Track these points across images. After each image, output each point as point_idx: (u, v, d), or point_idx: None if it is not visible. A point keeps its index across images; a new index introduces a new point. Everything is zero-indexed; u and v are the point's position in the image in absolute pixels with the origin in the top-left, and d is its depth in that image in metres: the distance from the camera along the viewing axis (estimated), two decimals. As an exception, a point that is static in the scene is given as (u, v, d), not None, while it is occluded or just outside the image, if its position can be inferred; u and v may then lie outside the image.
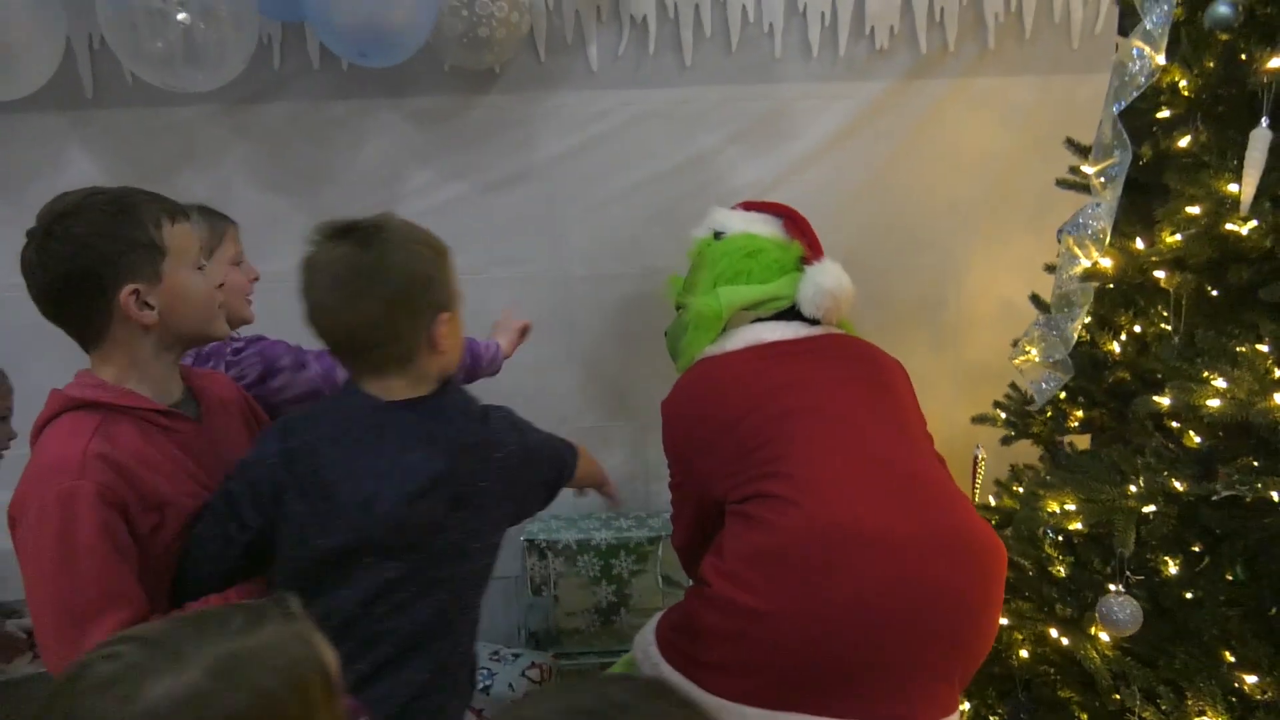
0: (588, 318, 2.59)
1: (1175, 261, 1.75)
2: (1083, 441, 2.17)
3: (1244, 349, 1.62)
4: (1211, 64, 1.72)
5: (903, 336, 2.42)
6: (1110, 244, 1.80)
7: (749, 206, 2.14)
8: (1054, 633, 1.86)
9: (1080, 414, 2.04)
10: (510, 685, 2.27)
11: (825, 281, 1.93)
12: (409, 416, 1.40)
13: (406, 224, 1.42)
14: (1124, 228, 1.83)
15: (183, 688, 0.76)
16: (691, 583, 2.12)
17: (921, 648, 1.58)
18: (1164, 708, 1.66)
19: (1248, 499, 1.66)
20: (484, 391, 1.62)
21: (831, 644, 1.56)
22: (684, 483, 1.91)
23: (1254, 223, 1.63)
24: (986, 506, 2.20)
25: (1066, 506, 1.79)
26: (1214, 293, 1.80)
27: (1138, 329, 1.88)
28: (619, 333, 2.56)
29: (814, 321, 1.95)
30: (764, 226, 2.06)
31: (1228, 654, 1.70)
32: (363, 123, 2.44)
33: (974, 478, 2.25)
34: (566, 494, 1.75)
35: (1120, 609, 1.65)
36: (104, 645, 0.81)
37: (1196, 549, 1.80)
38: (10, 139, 2.37)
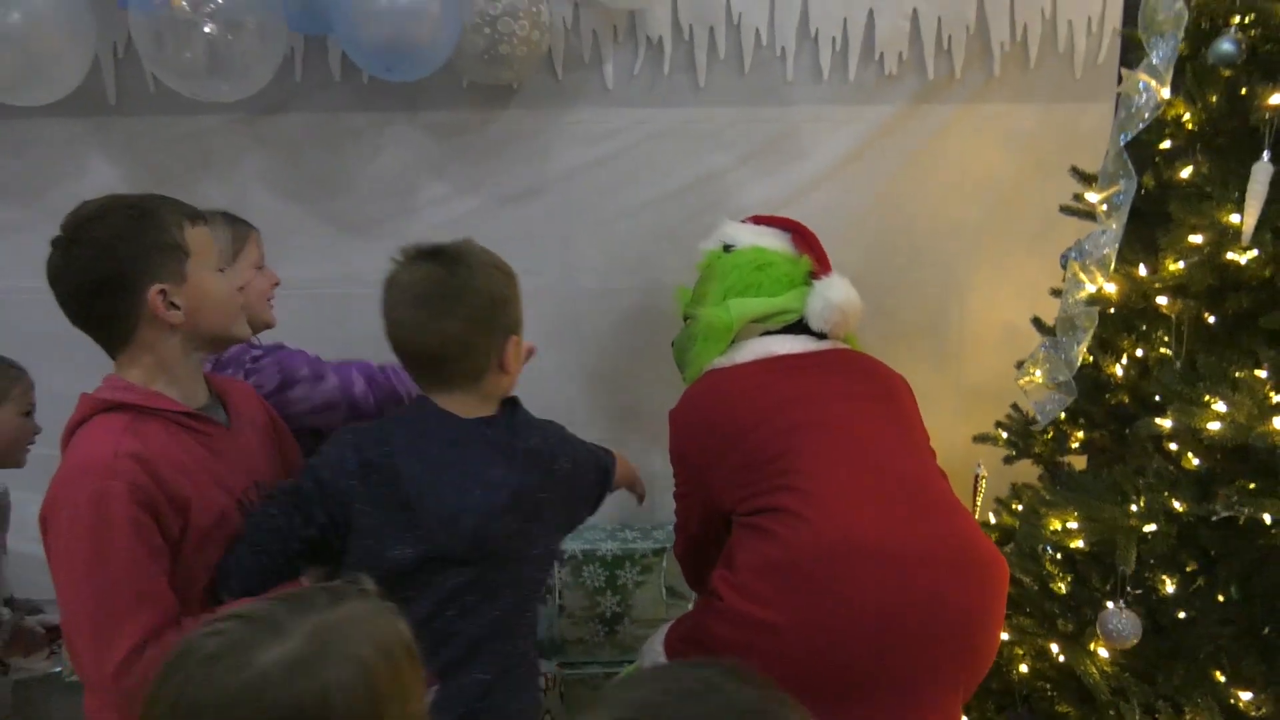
0: (597, 330, 2.63)
1: (1177, 288, 1.81)
2: (1080, 463, 2.22)
3: (1243, 374, 1.68)
4: (1214, 98, 1.78)
5: (906, 355, 2.46)
6: (1114, 270, 1.85)
7: (758, 220, 2.18)
8: (1054, 648, 1.90)
9: (1081, 435, 2.09)
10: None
11: (834, 296, 1.97)
12: (487, 433, 1.48)
13: (484, 250, 1.51)
14: (1127, 254, 1.88)
15: (287, 655, 0.82)
16: (694, 594, 2.16)
17: (927, 661, 1.62)
18: (1162, 721, 1.70)
19: (1241, 520, 1.71)
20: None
21: (838, 655, 1.59)
22: (690, 492, 1.94)
23: (1254, 252, 1.69)
24: (987, 524, 2.24)
25: (1069, 524, 1.84)
26: (1212, 320, 1.85)
27: (1139, 353, 1.94)
28: (627, 345, 2.59)
29: (821, 335, 1.98)
30: (773, 241, 2.10)
31: (1222, 672, 1.75)
32: (381, 134, 2.48)
33: (975, 495, 2.29)
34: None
35: (1121, 621, 1.70)
36: (205, 625, 0.86)
37: (1192, 569, 1.85)
38: (33, 144, 2.41)
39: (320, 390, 1.80)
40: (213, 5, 2.00)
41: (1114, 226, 1.81)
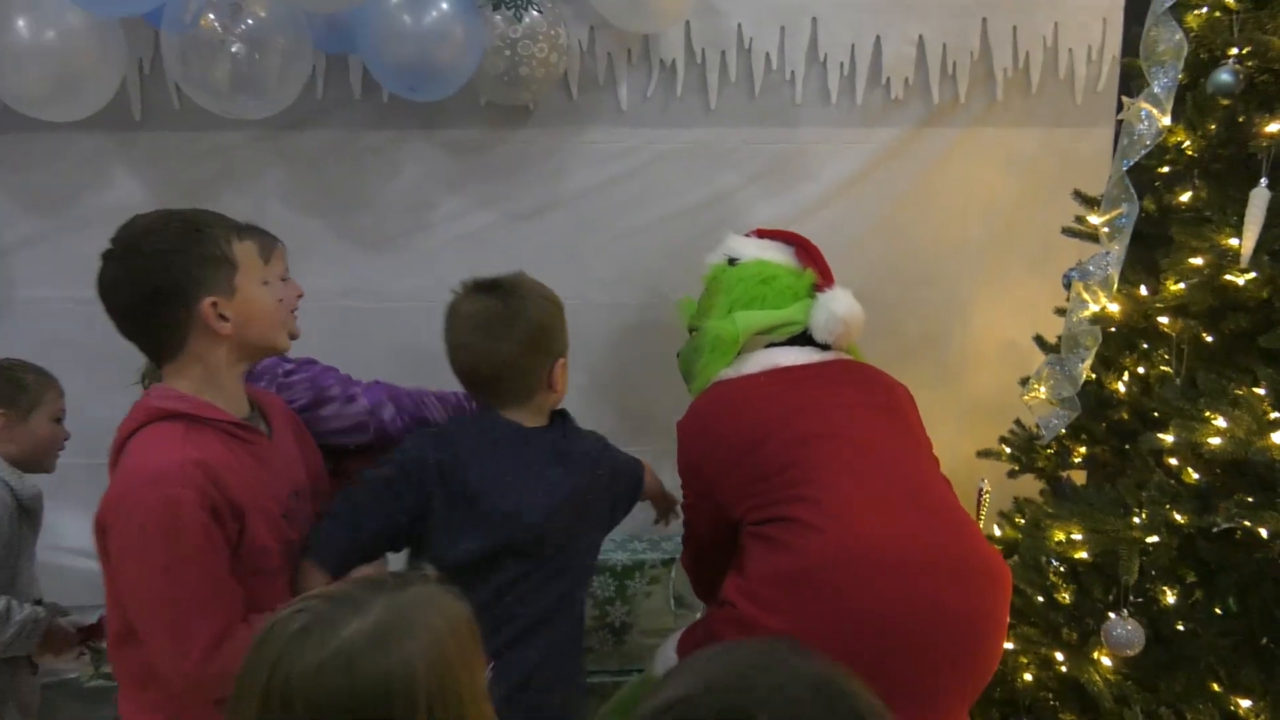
0: (607, 344, 2.67)
1: (1178, 308, 1.87)
2: (1080, 478, 2.28)
3: (1242, 391, 1.74)
4: (1214, 126, 1.86)
5: (909, 371, 2.49)
6: (1117, 290, 1.92)
7: (762, 234, 2.22)
8: (1059, 656, 1.95)
9: (1083, 450, 2.15)
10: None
11: (838, 308, 2.00)
12: (545, 439, 1.66)
13: (535, 282, 1.73)
14: (1129, 275, 1.95)
15: (369, 627, 0.89)
16: (702, 604, 2.20)
17: (936, 668, 1.66)
18: (1164, 727, 1.75)
19: (1238, 534, 1.77)
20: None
21: (848, 663, 1.63)
22: (698, 502, 1.96)
23: (1252, 274, 1.76)
24: (991, 537, 2.29)
25: (1073, 536, 1.90)
26: (1211, 339, 1.92)
27: (1141, 370, 2.00)
28: (637, 359, 2.64)
29: (824, 347, 2.02)
30: (777, 254, 2.14)
31: (1222, 680, 1.80)
32: (399, 151, 2.53)
33: (979, 510, 2.35)
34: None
35: (1125, 630, 1.75)
36: (289, 605, 0.92)
37: (1192, 581, 1.91)
38: (59, 158, 2.45)
39: (350, 411, 1.82)
40: (242, 26, 2.05)
41: (1117, 248, 1.87)
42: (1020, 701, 2.12)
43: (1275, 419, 1.69)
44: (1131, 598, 1.83)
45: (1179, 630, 1.87)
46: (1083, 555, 1.91)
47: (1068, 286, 2.10)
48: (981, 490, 2.33)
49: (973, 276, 2.71)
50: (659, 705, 0.77)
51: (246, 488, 1.42)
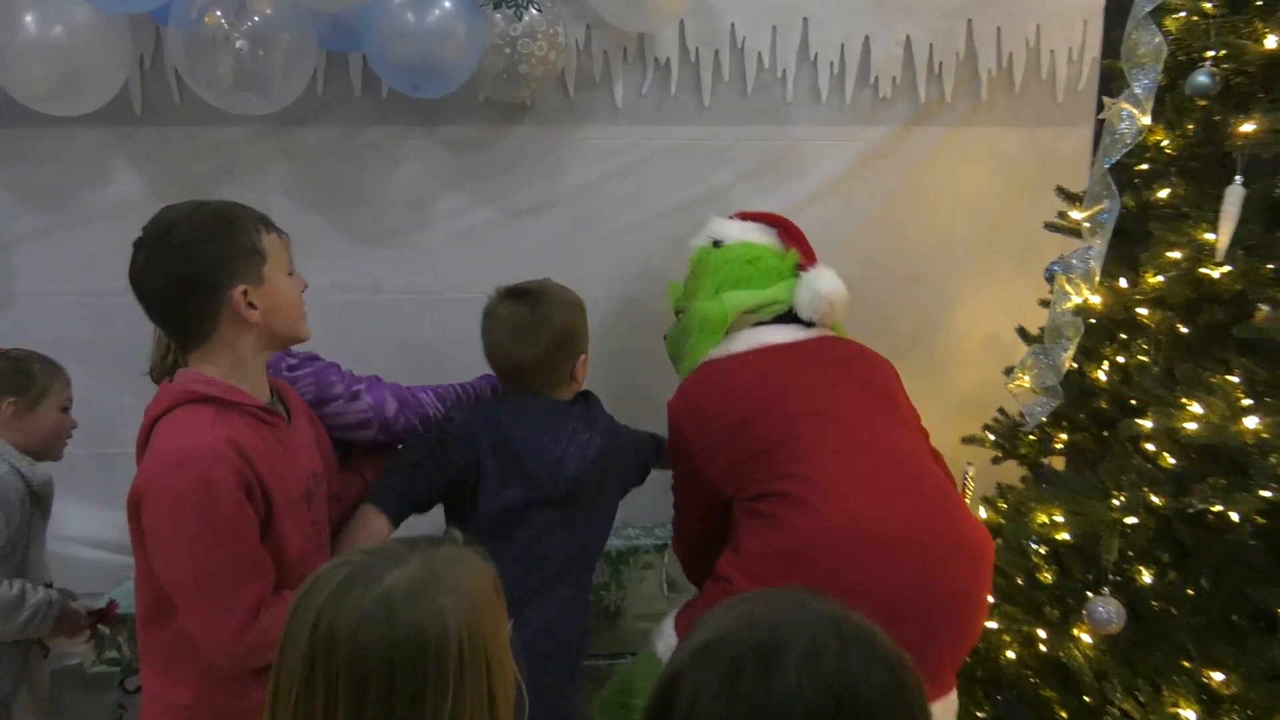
0: (604, 337, 2.70)
1: (1156, 300, 1.96)
2: (1059, 464, 2.36)
3: (1217, 379, 1.82)
4: (1191, 126, 1.93)
5: (897, 363, 2.57)
6: (1099, 283, 2.00)
7: (745, 217, 2.28)
8: (1042, 633, 2.03)
9: (1064, 437, 2.23)
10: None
11: (822, 286, 2.06)
12: (573, 410, 1.90)
13: (560, 287, 1.95)
14: (1110, 269, 2.03)
15: (407, 577, 0.95)
16: (695, 587, 2.26)
17: (927, 637, 1.72)
18: (1142, 700, 1.83)
19: (1209, 519, 1.86)
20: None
21: None
22: (689, 483, 2.02)
23: (1227, 268, 1.84)
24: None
25: (1055, 518, 1.98)
26: (1185, 330, 2.00)
27: (1121, 360, 2.08)
28: (634, 351, 2.69)
29: (809, 324, 2.07)
30: (760, 236, 2.20)
31: (1196, 655, 1.88)
32: (398, 148, 2.57)
33: (963, 494, 2.42)
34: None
35: (1107, 608, 1.83)
36: (330, 562, 0.99)
37: (1167, 560, 1.99)
38: (60, 152, 2.47)
39: (354, 408, 1.85)
40: (248, 23, 2.09)
41: (1099, 243, 1.95)
42: (1003, 679, 2.20)
43: (1248, 405, 1.77)
44: (1111, 577, 1.91)
45: (1155, 609, 1.95)
46: (1064, 537, 2.00)
47: (1051, 279, 2.18)
48: (966, 475, 2.42)
49: (958, 272, 2.79)
50: (696, 646, 0.83)
51: (273, 471, 1.47)
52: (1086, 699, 1.99)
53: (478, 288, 2.63)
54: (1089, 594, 1.92)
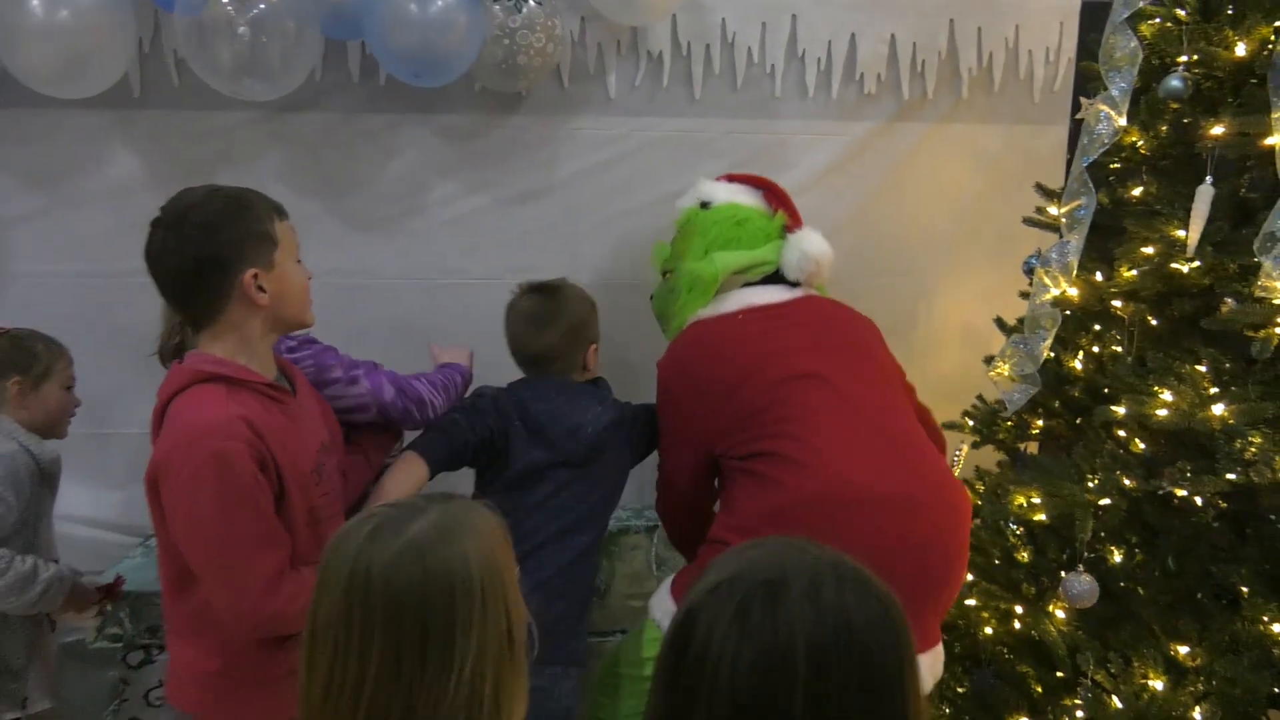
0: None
1: (1130, 293, 2.05)
2: (1033, 449, 2.46)
3: (1186, 369, 1.92)
4: (1164, 128, 2.03)
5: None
6: (1076, 276, 2.09)
7: (732, 179, 2.32)
8: (1018, 610, 2.13)
9: (1040, 423, 2.32)
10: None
11: (810, 248, 2.13)
12: (587, 388, 2.14)
13: (574, 285, 2.21)
14: (1086, 263, 2.12)
15: (431, 524, 1.03)
16: (680, 552, 2.33)
17: (914, 590, 1.78)
18: (1113, 671, 1.93)
19: (1175, 502, 1.96)
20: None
21: None
22: (677, 442, 2.07)
23: (1197, 263, 1.93)
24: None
25: (1032, 500, 2.07)
26: (1155, 322, 2.10)
27: (1095, 349, 2.18)
28: (624, 338, 2.74)
29: (794, 284, 2.14)
30: (747, 197, 2.25)
31: (1163, 630, 1.99)
32: (394, 136, 2.61)
33: (952, 468, 2.49)
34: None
35: (1081, 584, 1.93)
36: (357, 518, 1.07)
37: (1136, 541, 2.09)
38: (56, 133, 2.48)
39: (352, 392, 1.91)
40: (253, 11, 2.12)
41: (1076, 238, 2.04)
42: (980, 655, 2.30)
43: (1214, 394, 1.87)
44: (1086, 556, 2.01)
45: (1124, 587, 2.06)
46: (1041, 518, 2.09)
47: (1029, 273, 2.27)
48: (959, 451, 2.48)
49: (937, 264, 2.88)
50: (708, 585, 0.92)
51: (283, 446, 1.53)
52: (1059, 674, 2.09)
53: (471, 273, 2.73)
54: (1063, 573, 2.02)
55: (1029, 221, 2.39)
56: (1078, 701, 1.99)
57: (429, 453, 1.97)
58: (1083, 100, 2.12)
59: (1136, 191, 2.10)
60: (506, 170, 2.67)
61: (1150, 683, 1.89)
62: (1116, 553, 2.06)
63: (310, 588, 1.04)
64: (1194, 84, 1.96)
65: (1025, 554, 2.15)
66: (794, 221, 2.21)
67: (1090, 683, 1.96)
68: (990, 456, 2.54)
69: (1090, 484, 1.96)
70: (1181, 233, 1.94)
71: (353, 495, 1.85)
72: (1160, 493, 1.91)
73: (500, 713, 1.04)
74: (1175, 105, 2.00)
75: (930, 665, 1.90)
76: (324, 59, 2.51)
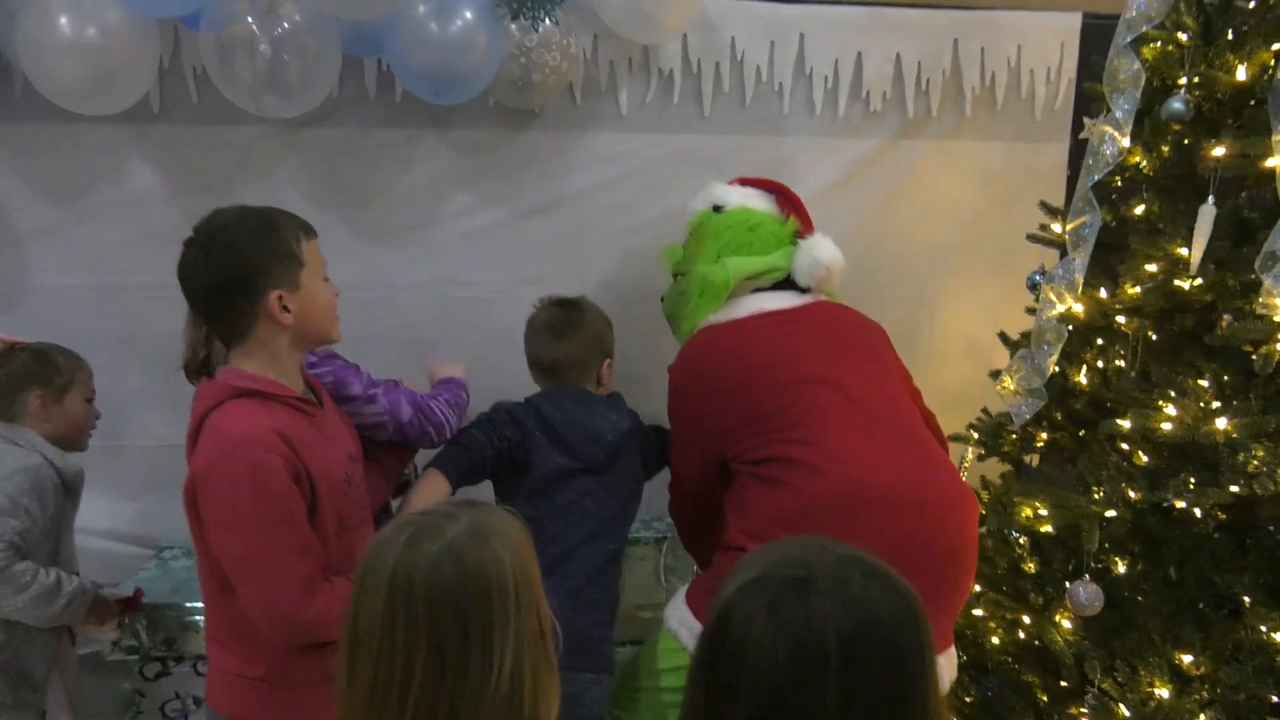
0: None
1: (1133, 309, 2.10)
2: (1036, 462, 2.51)
3: (1189, 383, 1.97)
4: (1166, 149, 2.08)
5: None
6: (1081, 292, 2.14)
7: (745, 182, 2.34)
8: (1025, 619, 2.18)
9: (1045, 436, 2.37)
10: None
11: (821, 255, 2.15)
12: (605, 399, 2.20)
13: (592, 302, 2.27)
14: (1090, 279, 2.17)
15: (464, 528, 1.08)
16: (693, 564, 2.36)
17: (930, 591, 1.82)
18: (1119, 679, 1.98)
19: (1175, 513, 2.01)
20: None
21: None
22: (687, 445, 2.09)
23: (1199, 280, 1.99)
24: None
25: (1039, 511, 2.12)
26: (1155, 336, 2.15)
27: (1100, 364, 2.23)
28: (635, 351, 2.77)
29: (804, 290, 2.16)
30: (760, 202, 2.26)
31: (1166, 638, 2.03)
32: (410, 149, 2.65)
33: (960, 472, 2.53)
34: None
35: (1088, 592, 1.97)
36: (391, 525, 1.11)
37: (1138, 550, 2.14)
38: (76, 148, 2.51)
39: (369, 410, 1.93)
40: (277, 30, 2.16)
41: (1081, 255, 2.09)
42: (987, 664, 2.34)
43: (1217, 407, 1.92)
44: (1091, 566, 2.05)
45: (1128, 597, 2.10)
46: (1047, 529, 2.14)
47: (1033, 288, 2.31)
48: (965, 456, 2.53)
49: (940, 278, 2.93)
50: (741, 583, 0.96)
51: (315, 458, 1.57)
52: (1065, 683, 2.13)
53: (484, 285, 2.77)
54: (1068, 583, 2.07)
55: (1033, 238, 2.45)
56: (1084, 709, 2.04)
57: (450, 469, 2.02)
58: (1086, 121, 2.17)
59: (1139, 210, 2.15)
60: (519, 184, 2.71)
61: (1156, 691, 1.94)
62: (1120, 563, 2.11)
63: (343, 596, 1.08)
64: (1195, 106, 2.01)
65: (1031, 564, 2.20)
66: (806, 227, 2.23)
67: (1096, 691, 2.01)
68: (995, 468, 2.59)
69: (1096, 495, 2.01)
70: (1184, 250, 1.99)
71: (375, 506, 1.88)
72: (1164, 504, 1.95)
73: (539, 713, 1.08)
74: (1177, 126, 2.06)
75: (946, 666, 1.93)
76: (341, 74, 2.54)
